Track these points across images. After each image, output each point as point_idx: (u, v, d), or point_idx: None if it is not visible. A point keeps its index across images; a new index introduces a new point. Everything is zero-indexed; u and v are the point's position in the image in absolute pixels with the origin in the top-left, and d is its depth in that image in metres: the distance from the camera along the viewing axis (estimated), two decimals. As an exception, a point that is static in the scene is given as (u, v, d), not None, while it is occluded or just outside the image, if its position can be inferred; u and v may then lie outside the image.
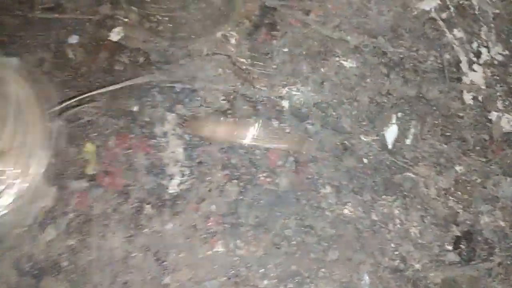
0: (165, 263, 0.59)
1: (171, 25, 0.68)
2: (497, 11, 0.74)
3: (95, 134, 0.64)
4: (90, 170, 0.62)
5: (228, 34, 0.71)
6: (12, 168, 0.59)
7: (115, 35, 0.69)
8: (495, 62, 0.70)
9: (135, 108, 0.64)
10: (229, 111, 0.66)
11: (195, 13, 0.65)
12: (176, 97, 0.65)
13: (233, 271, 0.59)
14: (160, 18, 0.67)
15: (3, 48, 0.67)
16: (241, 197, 0.62)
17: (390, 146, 0.64)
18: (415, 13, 0.74)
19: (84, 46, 0.69)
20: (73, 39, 0.69)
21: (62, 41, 0.69)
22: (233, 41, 0.70)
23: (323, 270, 0.59)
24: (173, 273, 0.59)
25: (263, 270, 0.59)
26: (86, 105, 0.64)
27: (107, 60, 0.67)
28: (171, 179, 0.62)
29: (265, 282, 0.59)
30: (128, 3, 0.68)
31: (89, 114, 0.64)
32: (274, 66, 0.69)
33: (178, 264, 0.59)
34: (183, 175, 0.62)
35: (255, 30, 0.71)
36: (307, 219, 0.61)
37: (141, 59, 0.68)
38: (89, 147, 0.63)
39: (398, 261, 0.59)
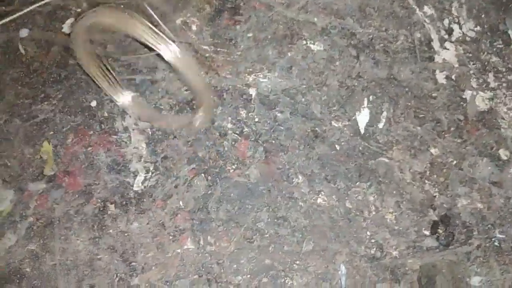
0: (133, 263, 0.58)
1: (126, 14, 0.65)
2: (468, -14, 0.73)
3: (52, 132, 0.61)
4: (48, 171, 0.60)
5: (188, 21, 0.69)
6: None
7: (68, 27, 0.67)
8: (467, 39, 0.69)
9: (93, 103, 0.62)
10: (194, 102, 0.64)
11: (151, 0, 0.63)
12: (136, 90, 0.63)
13: (204, 269, 0.58)
14: (116, 6, 0.64)
15: None
16: (209, 192, 0.61)
17: (362, 131, 0.63)
18: (384, -9, 0.73)
19: (36, 40, 0.66)
20: (24, 33, 0.66)
21: (12, 36, 0.66)
22: (194, 27, 0.69)
23: (297, 262, 0.58)
24: (142, 273, 0.58)
25: (235, 265, 0.58)
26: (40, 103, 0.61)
27: (61, 53, 0.65)
28: (135, 176, 0.61)
29: (239, 278, 0.58)
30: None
31: (44, 111, 0.61)
32: (239, 53, 0.68)
33: (147, 264, 0.58)
34: (147, 172, 0.60)
35: (217, 15, 0.70)
36: (279, 211, 0.60)
37: (98, 51, 0.65)
38: (46, 146, 0.60)
39: (374, 249, 0.58)
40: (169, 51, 0.53)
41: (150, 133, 0.62)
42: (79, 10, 0.68)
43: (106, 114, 0.59)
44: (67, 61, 0.65)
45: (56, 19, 0.68)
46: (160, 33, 0.53)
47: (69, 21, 0.67)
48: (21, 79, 0.63)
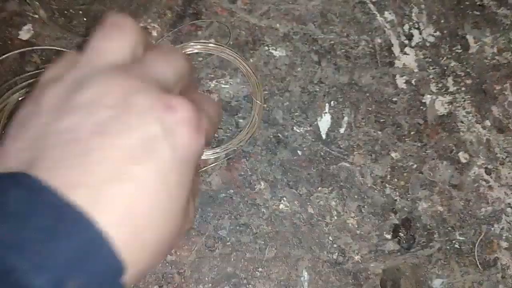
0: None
1: (85, 19, 0.64)
2: (428, -9, 0.74)
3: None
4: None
5: (149, 27, 0.68)
6: None
7: (24, 33, 0.66)
8: (427, 44, 0.70)
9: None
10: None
11: (110, 5, 0.62)
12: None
13: (164, 279, 0.57)
14: (73, 12, 0.64)
15: None
16: (170, 200, 0.59)
17: (324, 136, 0.63)
18: (345, -3, 0.73)
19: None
20: (-23, 39, 0.64)
21: (-35, 42, 0.64)
22: (155, 33, 0.68)
23: (260, 269, 0.58)
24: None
25: (197, 275, 0.57)
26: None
27: (17, 60, 0.63)
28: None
29: (200, 287, 0.57)
30: (38, -3, 0.63)
31: (-2, 120, 0.59)
32: (200, 58, 0.67)
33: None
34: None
35: (179, 21, 0.69)
36: (242, 218, 0.59)
37: (55, 58, 0.64)
38: None
39: (337, 254, 0.58)
40: None
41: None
42: (36, 16, 0.67)
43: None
44: (23, 68, 0.63)
45: (12, 25, 0.66)
46: None
47: (26, 27, 0.66)
48: None
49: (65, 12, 0.63)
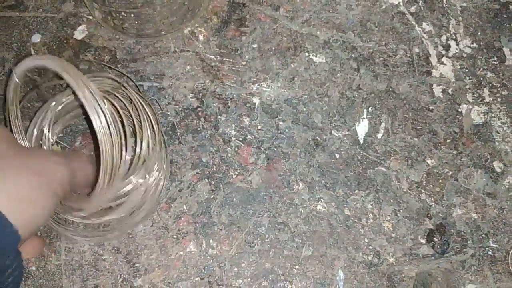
0: (136, 264, 0.58)
1: (136, 22, 0.67)
2: (465, 4, 0.76)
3: (61, 135, 0.62)
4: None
5: (196, 31, 0.70)
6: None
7: (79, 33, 0.68)
8: (464, 55, 0.71)
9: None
10: (199, 109, 0.66)
11: (161, 9, 0.64)
12: (144, 95, 0.64)
13: (206, 271, 0.59)
14: (125, 15, 0.66)
15: (-39, 48, 0.65)
16: (212, 196, 0.62)
17: (361, 141, 0.64)
18: (384, 7, 0.75)
19: (48, 45, 0.67)
20: (36, 38, 0.68)
21: (25, 40, 0.68)
22: (201, 37, 0.70)
23: (297, 267, 0.59)
24: (145, 274, 0.58)
25: (236, 269, 0.59)
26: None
27: (72, 59, 0.66)
28: (140, 179, 0.61)
29: (239, 281, 0.58)
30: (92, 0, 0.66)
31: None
32: (244, 63, 0.69)
33: (150, 265, 0.59)
34: (152, 175, 0.61)
35: (224, 26, 0.71)
36: (280, 216, 0.61)
37: (107, 57, 0.67)
38: (55, 148, 0.61)
39: (372, 255, 0.59)
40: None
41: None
42: (90, 17, 0.70)
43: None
44: (78, 66, 0.66)
45: (68, 25, 0.69)
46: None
47: (81, 27, 0.69)
48: (32, 82, 0.64)
49: (118, 14, 0.65)
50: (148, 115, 0.55)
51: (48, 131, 0.57)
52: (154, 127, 0.55)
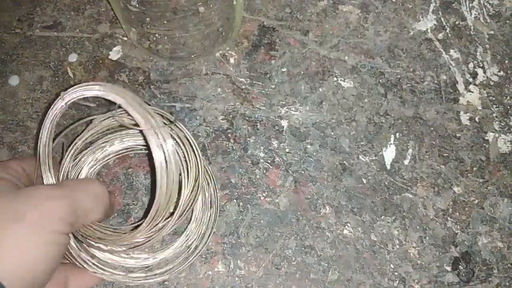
0: (166, 283, 0.59)
1: (170, 45, 0.69)
2: (492, 32, 0.76)
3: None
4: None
5: (227, 54, 0.72)
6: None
7: (114, 54, 0.70)
8: (491, 83, 0.71)
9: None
10: (229, 130, 0.67)
11: (194, 33, 0.66)
12: (176, 116, 0.66)
13: (233, 292, 0.59)
14: (159, 37, 0.68)
15: (2, 66, 0.68)
16: (241, 217, 0.63)
17: (388, 167, 0.65)
18: (412, 33, 0.76)
19: (84, 65, 0.69)
20: (73, 58, 0.70)
21: (62, 60, 0.70)
22: (232, 60, 0.72)
23: (323, 290, 0.60)
24: (172, 293, 0.59)
25: (263, 290, 0.60)
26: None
27: (107, 79, 0.68)
28: (170, 198, 0.63)
29: (265, 303, 0.59)
30: (127, 22, 0.68)
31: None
32: (273, 86, 0.70)
33: (179, 284, 0.60)
34: (182, 195, 0.62)
35: (254, 50, 0.73)
36: (307, 240, 0.61)
37: (141, 78, 0.69)
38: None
39: (397, 282, 0.60)
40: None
41: (186, 158, 0.65)
42: (125, 39, 0.72)
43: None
44: (112, 86, 0.68)
45: (104, 46, 0.71)
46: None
47: (116, 48, 0.71)
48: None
49: (152, 37, 0.67)
50: (196, 159, 0.53)
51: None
52: (200, 171, 0.53)
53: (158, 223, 0.49)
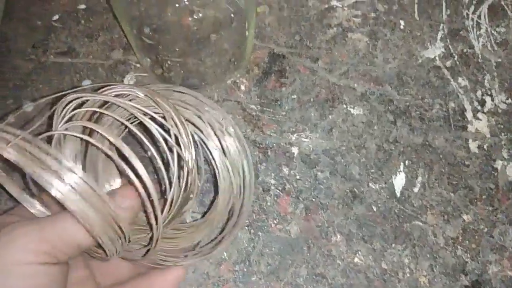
0: (176, 310, 0.59)
1: (182, 72, 0.70)
2: (499, 59, 0.77)
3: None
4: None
5: (238, 81, 0.73)
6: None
7: (127, 80, 0.71)
8: (499, 111, 0.72)
9: (149, 154, 0.65)
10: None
11: (206, 61, 0.67)
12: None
13: (245, 320, 0.60)
14: (172, 64, 0.69)
15: (17, 92, 0.69)
16: (252, 245, 0.63)
17: (398, 194, 0.65)
18: (420, 61, 0.77)
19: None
20: (87, 84, 0.70)
21: (76, 86, 0.71)
22: (243, 87, 0.73)
23: (334, 319, 0.60)
24: (184, 321, 0.60)
25: (274, 319, 0.60)
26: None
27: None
28: (182, 225, 0.63)
29: (277, 331, 0.59)
30: (140, 49, 0.70)
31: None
32: (283, 113, 0.71)
33: (189, 313, 0.60)
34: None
35: (265, 77, 0.74)
36: (318, 268, 0.62)
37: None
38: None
39: (408, 310, 0.60)
40: None
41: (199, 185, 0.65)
42: (138, 65, 0.73)
43: (160, 162, 0.62)
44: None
45: (117, 72, 0.73)
46: None
47: (129, 75, 0.72)
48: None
49: (164, 63, 0.68)
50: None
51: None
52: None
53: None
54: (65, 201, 0.32)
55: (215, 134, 0.49)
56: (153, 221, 0.40)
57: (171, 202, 0.43)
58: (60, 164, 0.34)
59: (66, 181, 0.33)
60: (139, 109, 0.44)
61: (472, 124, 0.73)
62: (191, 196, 0.49)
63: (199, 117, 0.51)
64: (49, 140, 0.46)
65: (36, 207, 0.48)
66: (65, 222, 0.37)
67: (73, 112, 0.45)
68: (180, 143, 0.44)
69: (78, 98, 0.45)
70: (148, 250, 0.46)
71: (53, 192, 0.32)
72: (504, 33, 0.81)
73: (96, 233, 0.35)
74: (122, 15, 0.66)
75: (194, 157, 0.45)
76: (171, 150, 0.44)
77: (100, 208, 0.34)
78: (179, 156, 0.44)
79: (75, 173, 0.34)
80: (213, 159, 0.49)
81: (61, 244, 0.36)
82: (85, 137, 0.42)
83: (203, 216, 0.62)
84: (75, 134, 0.44)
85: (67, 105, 0.45)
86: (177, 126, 0.44)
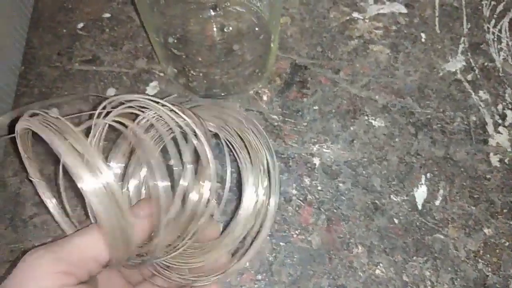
0: (198, 319, 0.60)
1: (205, 82, 0.71)
2: (520, 73, 0.78)
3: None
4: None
5: (260, 92, 0.74)
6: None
7: (151, 89, 0.72)
8: (520, 125, 0.73)
9: (171, 162, 0.66)
10: (262, 167, 0.68)
11: (229, 71, 0.68)
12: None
13: (266, 331, 0.60)
14: (195, 74, 0.70)
15: (43, 99, 0.70)
16: (274, 255, 0.64)
17: (420, 207, 0.66)
18: (441, 74, 0.78)
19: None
20: (111, 92, 0.72)
21: (100, 94, 0.72)
22: (265, 98, 0.73)
23: (355, 331, 0.60)
24: (206, 330, 0.60)
25: (296, 330, 0.60)
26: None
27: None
28: (205, 234, 0.64)
29: None
30: (165, 58, 0.71)
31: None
32: (305, 123, 0.72)
33: (211, 322, 0.60)
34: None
35: (287, 88, 0.75)
36: (339, 279, 0.62)
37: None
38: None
39: (429, 323, 0.60)
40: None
41: (220, 193, 0.66)
42: (162, 74, 0.74)
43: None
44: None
45: (141, 81, 0.74)
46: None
47: (153, 83, 0.73)
48: (107, 135, 0.68)
49: (187, 73, 0.69)
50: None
51: None
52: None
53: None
54: (90, 196, 0.34)
55: (247, 150, 0.49)
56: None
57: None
58: (95, 162, 0.36)
59: (97, 179, 0.34)
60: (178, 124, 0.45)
61: (493, 137, 0.74)
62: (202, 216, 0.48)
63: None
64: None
65: (67, 223, 0.49)
66: (81, 238, 0.36)
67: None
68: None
69: (120, 101, 0.47)
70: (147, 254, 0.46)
71: (80, 185, 0.34)
72: (525, 47, 0.82)
73: (107, 232, 0.35)
74: (148, 24, 0.68)
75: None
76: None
77: (119, 213, 0.36)
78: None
79: (105, 174, 0.35)
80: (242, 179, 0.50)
81: (77, 260, 0.34)
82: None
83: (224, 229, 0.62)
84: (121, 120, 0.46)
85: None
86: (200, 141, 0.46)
